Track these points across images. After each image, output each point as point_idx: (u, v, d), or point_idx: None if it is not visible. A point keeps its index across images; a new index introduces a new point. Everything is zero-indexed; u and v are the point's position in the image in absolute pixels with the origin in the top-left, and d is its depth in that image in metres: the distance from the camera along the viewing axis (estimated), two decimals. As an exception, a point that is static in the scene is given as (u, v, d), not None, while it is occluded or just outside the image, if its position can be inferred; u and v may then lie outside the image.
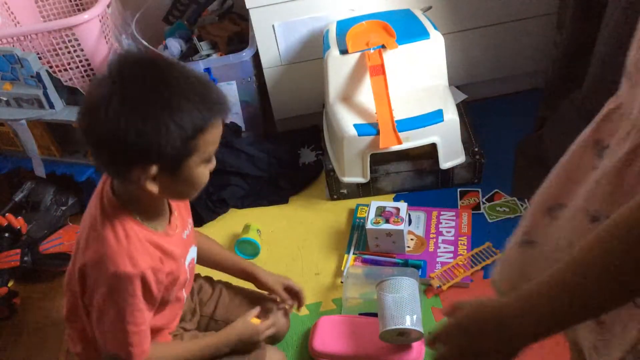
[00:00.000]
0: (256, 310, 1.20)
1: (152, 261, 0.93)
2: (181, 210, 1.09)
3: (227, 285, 1.32)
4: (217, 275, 1.35)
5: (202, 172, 0.91)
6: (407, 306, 1.25)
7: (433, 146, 1.60)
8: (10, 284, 1.66)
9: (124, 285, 0.91)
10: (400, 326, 1.22)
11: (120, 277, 0.90)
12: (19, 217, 1.74)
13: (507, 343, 0.61)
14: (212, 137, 0.88)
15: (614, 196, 0.64)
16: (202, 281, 1.30)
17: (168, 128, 0.82)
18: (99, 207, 0.94)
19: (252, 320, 1.17)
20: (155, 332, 1.06)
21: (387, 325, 1.23)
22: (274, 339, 1.35)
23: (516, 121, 1.89)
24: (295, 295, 1.28)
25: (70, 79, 1.99)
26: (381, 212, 1.54)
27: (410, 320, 1.23)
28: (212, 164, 0.94)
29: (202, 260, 1.21)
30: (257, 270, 1.27)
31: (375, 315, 1.38)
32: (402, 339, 1.25)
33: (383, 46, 1.57)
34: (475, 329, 0.64)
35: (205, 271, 1.38)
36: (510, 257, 0.85)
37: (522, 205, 1.63)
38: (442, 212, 1.65)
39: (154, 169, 0.85)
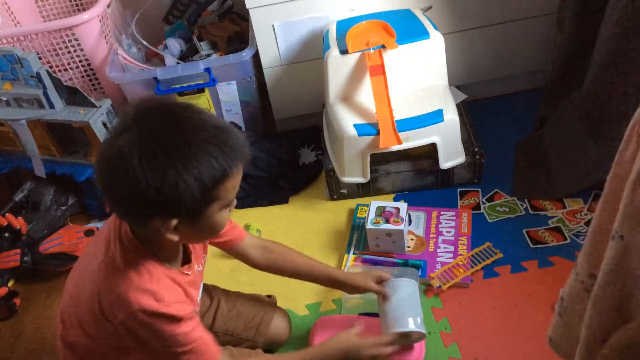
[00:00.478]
0: (360, 327, 1.18)
1: (178, 295, 0.95)
2: (197, 247, 1.09)
3: (226, 295, 1.32)
4: (212, 281, 1.36)
5: (223, 217, 0.91)
6: (408, 308, 1.24)
7: (433, 146, 1.60)
8: (10, 284, 1.66)
9: (152, 320, 0.91)
10: (404, 329, 1.21)
11: (147, 312, 0.90)
12: (19, 217, 1.74)
13: None
14: (233, 184, 0.88)
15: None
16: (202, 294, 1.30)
17: (187, 183, 0.81)
18: (119, 243, 0.94)
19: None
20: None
21: (390, 329, 1.21)
22: (276, 343, 1.35)
23: (516, 121, 1.89)
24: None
25: (70, 79, 1.99)
26: (381, 212, 1.54)
27: (413, 322, 1.22)
28: (234, 205, 0.94)
29: (284, 272, 1.24)
30: (343, 276, 1.27)
31: (375, 315, 1.38)
32: (403, 340, 1.25)
33: (383, 46, 1.57)
34: None
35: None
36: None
37: (522, 205, 1.63)
38: (442, 212, 1.65)
39: (174, 222, 0.85)
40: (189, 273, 1.02)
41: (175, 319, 0.93)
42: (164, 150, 0.80)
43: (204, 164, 0.82)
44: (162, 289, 0.92)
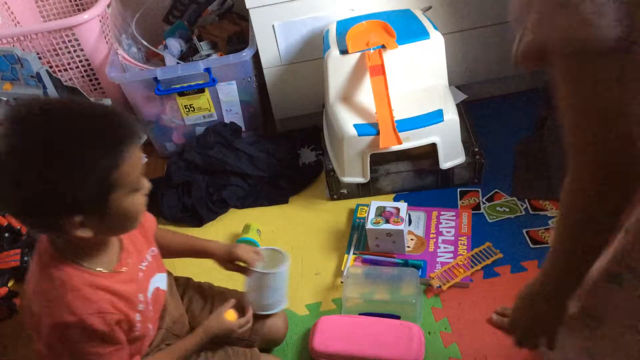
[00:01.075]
0: (230, 304, 1.19)
1: (97, 306, 0.90)
2: (137, 242, 1.06)
3: (220, 294, 1.31)
4: (210, 281, 1.36)
5: (132, 202, 0.88)
6: (271, 290, 1.26)
7: (433, 146, 1.60)
8: (10, 284, 1.66)
9: (67, 334, 0.89)
10: (261, 312, 1.26)
11: (61, 326, 0.88)
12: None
13: (548, 303, 0.79)
14: (129, 167, 0.85)
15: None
16: (193, 293, 1.29)
17: (75, 177, 0.79)
18: (37, 261, 0.93)
19: (227, 315, 1.16)
20: None
21: (254, 308, 1.24)
22: (273, 341, 1.35)
23: (516, 121, 1.89)
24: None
25: (70, 79, 1.99)
26: (381, 212, 1.54)
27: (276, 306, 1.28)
28: (145, 188, 0.91)
29: (166, 254, 1.19)
30: (208, 246, 1.25)
31: (375, 315, 1.38)
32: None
33: (383, 46, 1.57)
34: (524, 310, 0.83)
35: (202, 276, 1.38)
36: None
37: (522, 205, 1.63)
38: (442, 212, 1.65)
39: (78, 218, 0.83)
40: (122, 270, 0.98)
41: (91, 332, 0.89)
42: (42, 149, 0.79)
43: (89, 154, 0.80)
44: (77, 300, 0.89)
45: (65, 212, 0.82)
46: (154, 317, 1.10)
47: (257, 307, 1.25)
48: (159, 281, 1.10)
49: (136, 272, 1.02)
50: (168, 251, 1.20)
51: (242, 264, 1.25)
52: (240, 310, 1.21)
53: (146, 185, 0.91)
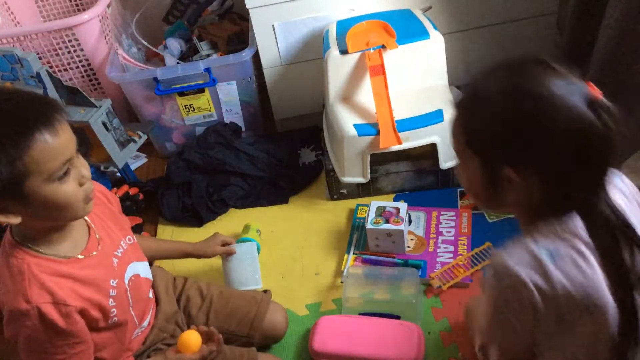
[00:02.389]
0: (190, 331, 1.12)
1: (53, 296, 0.89)
2: (109, 230, 1.06)
3: (219, 292, 1.31)
4: (209, 280, 1.37)
5: (56, 190, 0.86)
6: (246, 268, 1.46)
7: (433, 146, 1.60)
8: None
9: (22, 321, 0.89)
10: (244, 288, 1.42)
11: (16, 314, 0.89)
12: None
13: None
14: (42, 154, 0.83)
15: None
16: (190, 293, 1.29)
17: None
18: (1, 251, 0.94)
19: (190, 338, 1.07)
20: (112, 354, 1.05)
21: (231, 285, 1.45)
22: (273, 338, 1.35)
23: (516, 121, 1.89)
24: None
25: (70, 79, 1.99)
26: (381, 212, 1.54)
27: (252, 281, 1.46)
28: (77, 176, 0.89)
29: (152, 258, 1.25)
30: (193, 249, 1.39)
31: (375, 315, 1.38)
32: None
33: (383, 46, 1.57)
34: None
35: (202, 276, 1.38)
36: None
37: (522, 205, 1.63)
38: (442, 212, 1.65)
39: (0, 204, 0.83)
40: (90, 255, 0.98)
41: (45, 321, 0.89)
42: None
43: None
44: (33, 288, 0.88)
45: None
46: (139, 306, 1.10)
47: (235, 284, 1.44)
48: (137, 269, 1.10)
49: (108, 258, 1.02)
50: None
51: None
52: (209, 337, 1.11)
53: (80, 173, 0.90)
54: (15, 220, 0.86)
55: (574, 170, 0.76)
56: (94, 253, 1.00)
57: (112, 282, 1.01)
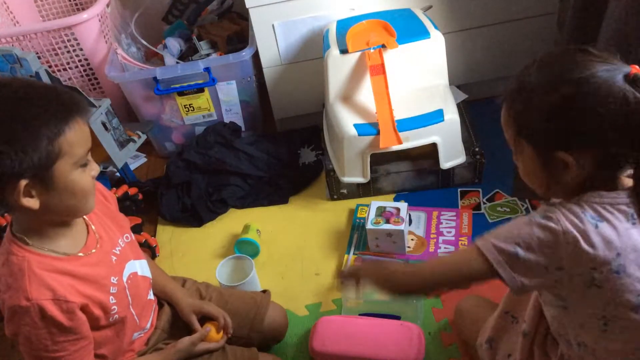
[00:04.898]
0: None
1: (53, 292, 0.90)
2: (107, 228, 1.07)
3: (218, 293, 1.31)
4: (208, 280, 1.36)
5: (80, 178, 0.90)
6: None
7: (433, 146, 1.60)
8: None
9: (23, 318, 0.89)
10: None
11: (17, 311, 0.89)
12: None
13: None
14: (76, 137, 0.87)
15: None
16: (190, 294, 1.28)
17: (19, 137, 0.82)
18: (2, 248, 0.94)
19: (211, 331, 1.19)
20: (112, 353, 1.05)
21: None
22: (273, 338, 1.35)
23: (517, 121, 1.89)
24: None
25: (70, 79, 1.99)
26: (381, 212, 1.53)
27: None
28: (93, 170, 0.93)
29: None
30: (177, 298, 1.23)
31: (375, 315, 1.37)
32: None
33: (383, 46, 1.57)
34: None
35: (202, 276, 1.38)
36: None
37: (522, 205, 1.63)
38: (442, 212, 1.65)
39: (23, 183, 0.84)
40: (89, 253, 0.99)
41: (46, 318, 0.89)
42: None
43: (35, 118, 0.83)
44: (33, 285, 0.89)
45: (10, 178, 0.83)
46: (138, 305, 1.10)
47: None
48: (136, 267, 1.10)
49: (107, 256, 1.03)
50: None
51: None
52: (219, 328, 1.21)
53: (95, 167, 0.94)
54: (35, 205, 0.87)
55: (624, 147, 0.79)
56: (93, 251, 1.00)
57: (113, 280, 1.02)
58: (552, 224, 0.80)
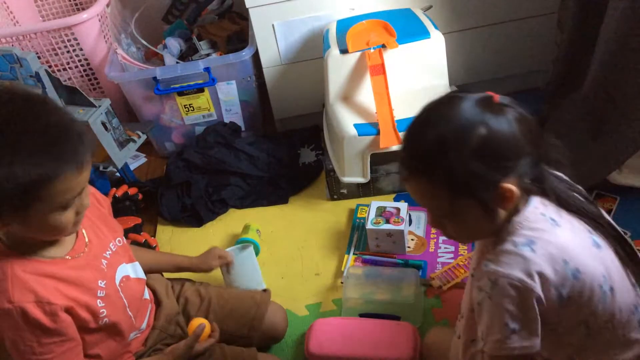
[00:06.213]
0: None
1: (36, 295, 0.90)
2: (99, 231, 1.06)
3: (217, 292, 1.30)
4: (208, 280, 1.37)
5: (57, 219, 0.87)
6: (248, 275, 1.44)
7: (433, 146, 1.60)
8: None
9: (6, 321, 0.89)
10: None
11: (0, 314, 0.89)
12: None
13: None
14: (62, 187, 0.84)
15: None
16: (189, 294, 1.29)
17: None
18: None
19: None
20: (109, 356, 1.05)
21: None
22: (272, 338, 1.35)
23: (517, 121, 1.89)
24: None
25: (70, 79, 1.99)
26: (381, 212, 1.53)
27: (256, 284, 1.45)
28: (79, 207, 0.90)
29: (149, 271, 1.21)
30: (189, 263, 1.35)
31: (375, 316, 1.37)
32: None
33: (383, 45, 1.57)
34: None
35: (200, 276, 1.38)
36: None
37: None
38: (442, 212, 1.64)
39: None
40: (76, 257, 0.99)
41: (29, 320, 0.89)
42: None
43: (20, 161, 0.79)
44: (16, 288, 0.89)
45: None
46: (134, 306, 1.09)
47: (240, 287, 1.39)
48: (127, 270, 1.10)
49: (96, 260, 1.03)
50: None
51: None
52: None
53: (84, 204, 0.91)
54: (13, 229, 0.88)
55: (534, 155, 0.84)
56: (81, 254, 1.00)
57: (100, 283, 1.01)
58: (506, 286, 0.81)
